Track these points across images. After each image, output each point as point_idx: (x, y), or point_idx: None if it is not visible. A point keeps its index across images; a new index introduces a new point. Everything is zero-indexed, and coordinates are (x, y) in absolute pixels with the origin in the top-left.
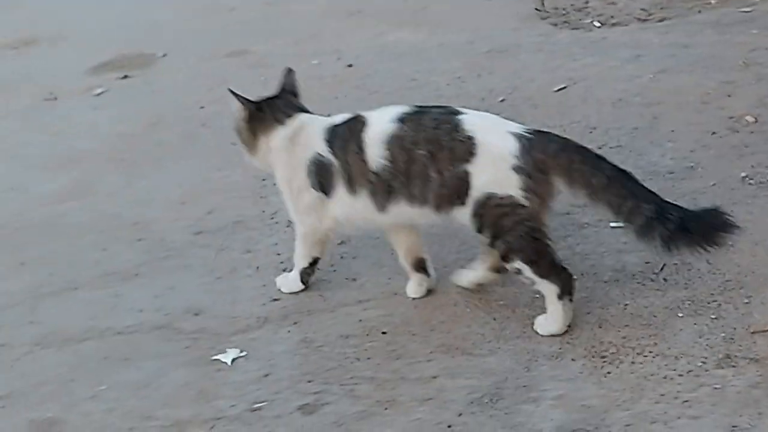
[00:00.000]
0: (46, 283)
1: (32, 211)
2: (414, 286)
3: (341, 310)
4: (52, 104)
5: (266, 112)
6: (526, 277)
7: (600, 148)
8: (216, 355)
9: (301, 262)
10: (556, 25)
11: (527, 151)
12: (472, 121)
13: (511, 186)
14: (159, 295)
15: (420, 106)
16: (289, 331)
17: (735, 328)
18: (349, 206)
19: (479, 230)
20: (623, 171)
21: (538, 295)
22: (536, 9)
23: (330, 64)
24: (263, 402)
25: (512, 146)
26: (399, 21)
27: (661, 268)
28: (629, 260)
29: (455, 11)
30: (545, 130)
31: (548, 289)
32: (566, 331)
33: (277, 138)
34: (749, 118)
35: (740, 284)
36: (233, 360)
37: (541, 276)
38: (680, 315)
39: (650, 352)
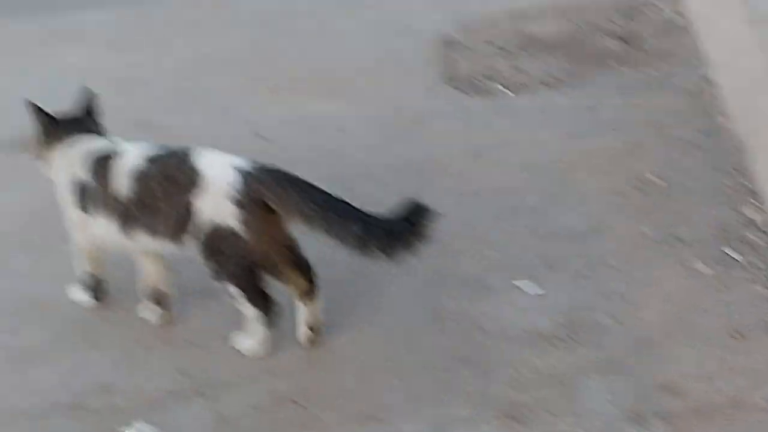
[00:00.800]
0: None
1: None
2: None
3: (250, 380)
4: None
5: (56, 128)
6: (237, 302)
7: (513, 211)
8: (124, 431)
9: (80, 273)
10: (467, 92)
11: (246, 184)
12: (201, 156)
13: (230, 216)
14: (68, 373)
15: (166, 144)
16: (199, 404)
17: (645, 386)
18: (102, 227)
19: (205, 256)
20: (336, 199)
21: (451, 359)
22: (447, 78)
23: (245, 137)
24: None
25: (232, 179)
26: (314, 93)
27: (571, 328)
28: (540, 320)
29: (369, 82)
30: (270, 164)
31: (253, 314)
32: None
33: (57, 154)
34: (654, 179)
35: (650, 341)
36: None
37: (250, 302)
38: (591, 374)
39: (562, 411)
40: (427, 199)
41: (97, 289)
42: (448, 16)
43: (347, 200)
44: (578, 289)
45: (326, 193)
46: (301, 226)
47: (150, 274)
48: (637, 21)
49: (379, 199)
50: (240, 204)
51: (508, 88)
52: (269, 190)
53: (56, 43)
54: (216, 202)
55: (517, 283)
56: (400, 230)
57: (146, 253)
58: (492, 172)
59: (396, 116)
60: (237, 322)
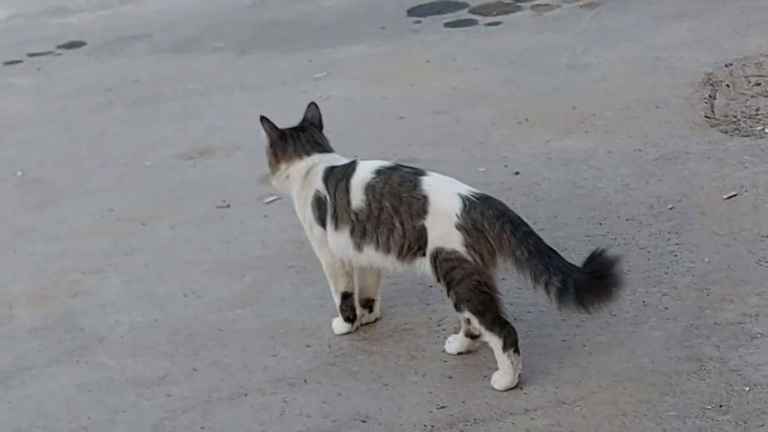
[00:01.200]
0: (217, 388)
1: (205, 316)
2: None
3: (508, 418)
4: (225, 212)
5: (289, 143)
6: (474, 326)
7: None
8: None
9: (335, 298)
10: (726, 132)
11: (468, 212)
12: (429, 181)
13: (455, 242)
14: (327, 402)
15: (396, 164)
16: None
17: None
18: (336, 240)
19: (437, 280)
20: (547, 247)
21: (709, 406)
22: (706, 116)
23: (497, 171)
24: None
25: (457, 206)
26: (566, 128)
27: None
28: None
29: (623, 119)
30: (492, 195)
31: (493, 340)
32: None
33: (295, 170)
34: None
35: None
36: None
37: (487, 327)
38: None
39: None
40: (684, 240)
41: (352, 307)
42: (710, 54)
43: (556, 249)
44: None
45: (539, 239)
46: (508, 264)
47: (367, 286)
48: None
49: (631, 237)
50: (463, 229)
51: None
52: (489, 223)
53: (320, 76)
54: (443, 228)
55: None
56: (591, 285)
57: (370, 269)
58: (750, 214)
59: (650, 154)
60: (491, 354)
